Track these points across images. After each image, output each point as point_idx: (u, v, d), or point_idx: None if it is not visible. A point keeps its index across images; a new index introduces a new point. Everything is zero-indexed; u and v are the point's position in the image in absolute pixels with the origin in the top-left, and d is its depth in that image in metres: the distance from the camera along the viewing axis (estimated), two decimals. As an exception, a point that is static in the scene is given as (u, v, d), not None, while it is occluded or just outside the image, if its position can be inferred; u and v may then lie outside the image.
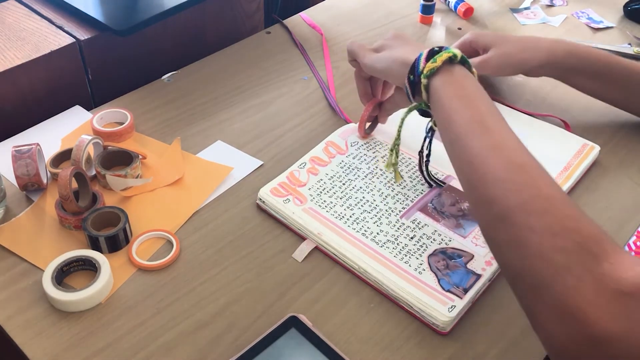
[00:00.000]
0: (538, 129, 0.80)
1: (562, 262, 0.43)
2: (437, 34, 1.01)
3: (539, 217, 0.45)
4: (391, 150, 0.69)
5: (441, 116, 0.57)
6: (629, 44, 0.99)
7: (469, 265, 0.60)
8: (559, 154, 0.74)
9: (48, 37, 0.82)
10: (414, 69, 0.60)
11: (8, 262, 0.61)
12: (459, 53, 0.58)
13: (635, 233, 0.67)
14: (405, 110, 0.66)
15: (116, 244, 0.62)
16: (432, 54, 0.59)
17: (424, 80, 0.58)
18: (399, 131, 0.68)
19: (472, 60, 0.78)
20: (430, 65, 0.58)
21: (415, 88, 0.60)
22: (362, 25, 1.02)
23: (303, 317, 0.55)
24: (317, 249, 0.63)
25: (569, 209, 0.46)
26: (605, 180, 0.73)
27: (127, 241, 0.63)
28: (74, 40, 0.81)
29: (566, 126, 0.81)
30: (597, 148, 0.76)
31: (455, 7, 1.05)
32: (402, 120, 0.67)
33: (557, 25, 1.04)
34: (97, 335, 0.55)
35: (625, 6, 1.06)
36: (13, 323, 0.55)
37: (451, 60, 0.58)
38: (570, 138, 0.77)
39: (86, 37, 0.82)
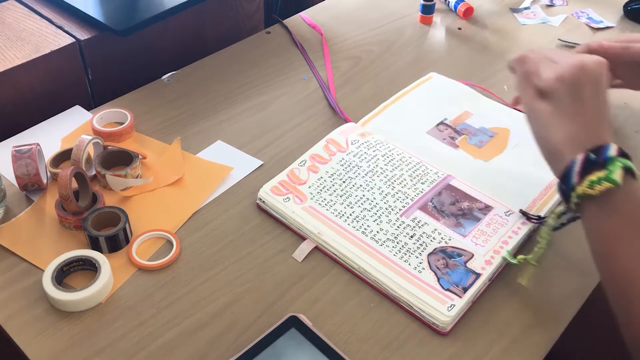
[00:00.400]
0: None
1: None
2: (437, 34, 1.01)
3: None
4: (533, 262, 0.59)
5: (597, 254, 0.52)
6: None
7: (468, 264, 0.60)
8: (559, 154, 0.74)
9: (48, 37, 0.82)
10: (565, 177, 0.53)
11: (8, 262, 0.61)
12: (621, 180, 0.50)
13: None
14: (550, 222, 0.58)
15: (116, 244, 0.62)
16: (588, 165, 0.51)
17: (575, 199, 0.52)
18: (543, 245, 0.58)
19: None
20: (586, 189, 0.51)
21: (565, 195, 0.54)
22: (362, 25, 1.02)
23: (303, 317, 0.55)
24: (317, 248, 0.63)
25: None
26: (606, 180, 0.73)
27: (127, 241, 0.63)
28: (74, 40, 0.81)
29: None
30: (597, 148, 0.75)
31: (455, 7, 1.05)
32: (547, 234, 0.58)
33: (557, 25, 1.04)
34: (97, 335, 0.55)
35: (625, 6, 1.06)
36: (13, 323, 0.55)
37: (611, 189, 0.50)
38: (571, 138, 0.77)
39: (86, 37, 0.82)
